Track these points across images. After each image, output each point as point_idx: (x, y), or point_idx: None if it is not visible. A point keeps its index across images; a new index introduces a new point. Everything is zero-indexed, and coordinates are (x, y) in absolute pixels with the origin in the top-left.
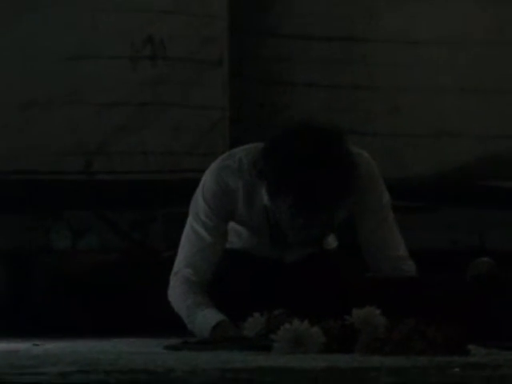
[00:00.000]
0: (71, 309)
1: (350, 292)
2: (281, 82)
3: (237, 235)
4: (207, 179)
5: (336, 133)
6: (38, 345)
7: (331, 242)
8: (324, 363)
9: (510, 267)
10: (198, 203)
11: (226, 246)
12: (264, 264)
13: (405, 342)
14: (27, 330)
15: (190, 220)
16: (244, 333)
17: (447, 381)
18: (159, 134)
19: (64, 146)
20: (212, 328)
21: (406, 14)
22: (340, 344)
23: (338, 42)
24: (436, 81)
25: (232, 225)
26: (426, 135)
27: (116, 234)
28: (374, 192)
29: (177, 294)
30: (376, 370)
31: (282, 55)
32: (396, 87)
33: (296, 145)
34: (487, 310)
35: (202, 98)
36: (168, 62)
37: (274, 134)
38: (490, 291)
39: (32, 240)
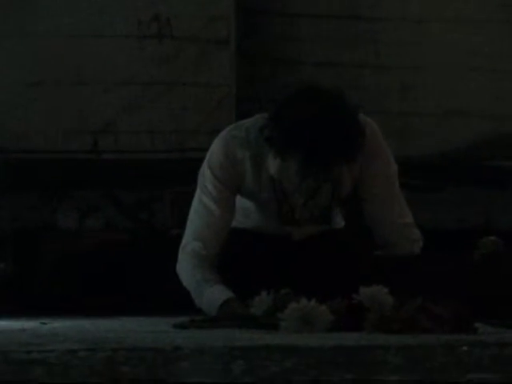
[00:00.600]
0: (78, 288)
1: (357, 270)
2: (288, 60)
3: (245, 215)
4: (214, 150)
5: (340, 92)
6: (45, 323)
7: (339, 221)
8: (331, 342)
9: None
10: (205, 175)
11: (235, 226)
12: (272, 242)
13: (412, 320)
14: (34, 308)
15: (197, 192)
16: (251, 311)
17: (455, 359)
18: (165, 113)
19: (70, 125)
20: (219, 305)
21: None
22: (347, 322)
23: (345, 20)
24: (445, 60)
25: (240, 203)
26: (433, 114)
27: (122, 214)
28: (379, 158)
29: (185, 268)
30: (383, 349)
31: (289, 34)
32: (404, 66)
33: (302, 101)
34: (494, 289)
35: (208, 77)
36: (174, 41)
37: (280, 99)
38: (497, 269)
39: (38, 219)
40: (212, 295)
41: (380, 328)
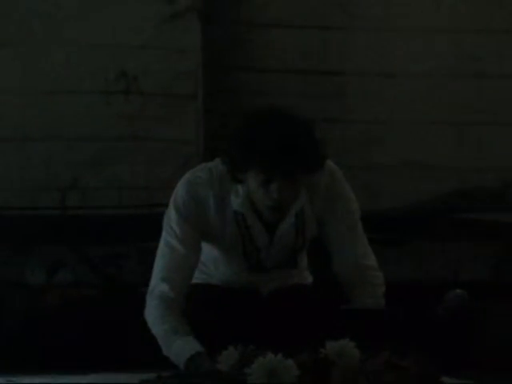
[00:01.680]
0: (45, 344)
1: (324, 325)
2: None
3: (212, 262)
4: (178, 191)
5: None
6: (12, 381)
7: (306, 276)
8: None
9: (483, 299)
10: (170, 215)
11: (203, 280)
12: (240, 296)
13: (378, 375)
14: (1, 366)
15: (163, 235)
16: (218, 366)
17: None
18: (133, 169)
19: (38, 180)
20: (187, 359)
21: (380, 46)
22: (314, 377)
23: (313, 76)
24: (411, 113)
25: (207, 253)
26: (400, 167)
27: (90, 269)
28: (342, 200)
29: (154, 315)
30: None
31: (256, 89)
32: (370, 119)
33: (260, 116)
34: (460, 342)
35: (175, 133)
36: (142, 97)
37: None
38: (463, 323)
39: (6, 275)
40: (180, 348)
41: (346, 383)
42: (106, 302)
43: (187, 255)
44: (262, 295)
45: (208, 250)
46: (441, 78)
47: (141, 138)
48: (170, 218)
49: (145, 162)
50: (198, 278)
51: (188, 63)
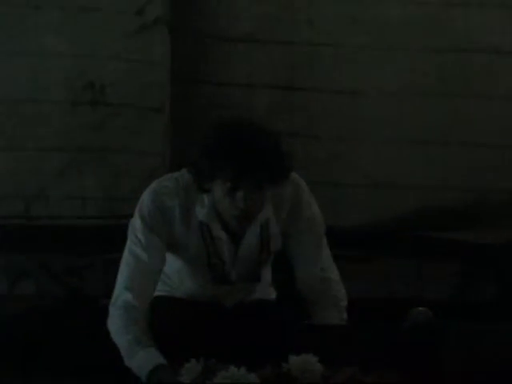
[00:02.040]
0: (4, 354)
1: (287, 339)
2: None
3: (177, 274)
4: (144, 199)
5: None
6: None
7: (270, 292)
8: None
9: (446, 317)
10: (135, 224)
11: (166, 292)
12: (203, 310)
13: None
14: None
15: (127, 244)
16: (181, 379)
17: None
18: (98, 180)
19: (2, 189)
20: (149, 371)
21: (346, 63)
22: None
23: (279, 91)
24: (375, 131)
25: (172, 266)
26: (363, 185)
27: (52, 280)
28: (307, 212)
29: (118, 325)
30: None
31: (222, 102)
32: (335, 136)
33: (225, 127)
34: (423, 360)
35: (141, 145)
36: (108, 108)
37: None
38: (427, 341)
39: None
40: (143, 359)
41: None
42: (68, 313)
43: (152, 264)
44: (225, 308)
45: (172, 262)
46: (406, 96)
47: (107, 149)
48: (135, 226)
49: (110, 173)
50: (161, 290)
51: (156, 75)
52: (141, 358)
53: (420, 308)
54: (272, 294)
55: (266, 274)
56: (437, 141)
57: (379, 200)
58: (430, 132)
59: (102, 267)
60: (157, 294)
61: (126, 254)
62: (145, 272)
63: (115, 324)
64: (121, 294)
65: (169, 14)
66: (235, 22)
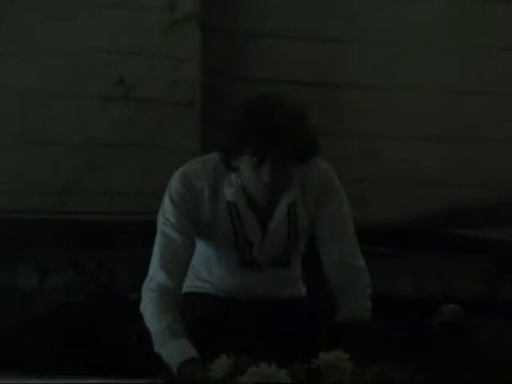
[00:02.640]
0: (36, 349)
1: (317, 335)
2: None
3: (205, 264)
4: (173, 181)
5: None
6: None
7: (300, 287)
8: None
9: (476, 314)
10: (165, 205)
11: (196, 288)
12: (234, 304)
13: None
14: None
15: (158, 227)
16: (211, 375)
17: None
18: (128, 175)
19: (32, 185)
20: (181, 363)
21: (380, 60)
22: None
23: (311, 87)
24: (404, 127)
25: (200, 252)
26: (392, 181)
27: (82, 275)
28: (335, 198)
29: (151, 310)
30: None
31: None
32: (363, 132)
33: (256, 102)
34: (453, 357)
35: (171, 140)
36: (139, 104)
37: None
38: (457, 338)
39: None
40: (175, 350)
41: None
42: (97, 308)
43: (183, 243)
44: (256, 303)
45: (200, 249)
46: (437, 92)
47: (137, 145)
48: (165, 208)
49: (140, 169)
50: (190, 286)
51: (187, 71)
52: (172, 349)
53: (450, 305)
54: (302, 290)
55: (295, 264)
56: (466, 138)
57: (408, 196)
58: (459, 129)
59: (131, 262)
60: (185, 290)
61: (158, 236)
62: (177, 251)
63: (148, 308)
64: (155, 274)
65: (200, 9)
66: (266, 18)
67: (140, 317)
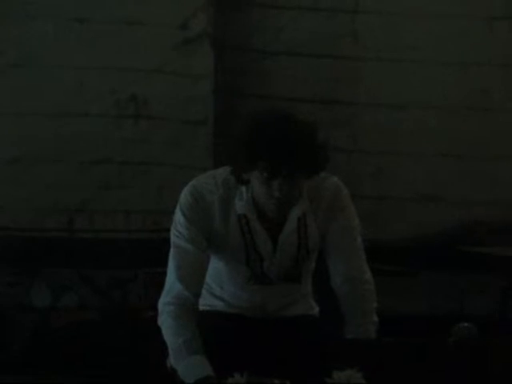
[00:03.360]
0: (50, 365)
1: (331, 354)
2: None
3: (217, 280)
4: (184, 195)
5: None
6: None
7: (313, 306)
8: None
9: (490, 333)
10: (177, 219)
11: (209, 307)
12: (247, 323)
13: None
14: None
15: (172, 240)
16: None
17: None
18: (141, 193)
19: (46, 203)
20: (195, 381)
21: (390, 77)
22: None
23: (324, 105)
24: (419, 145)
25: (211, 265)
26: (407, 199)
27: (95, 293)
28: (344, 212)
29: (169, 324)
30: None
31: None
32: (379, 150)
33: (263, 117)
34: (469, 375)
35: (185, 158)
36: (151, 121)
37: None
38: (471, 356)
39: (11, 296)
40: (190, 367)
41: None
42: (110, 326)
43: (198, 254)
44: (268, 322)
45: (212, 266)
46: (453, 110)
47: (150, 163)
48: (177, 222)
49: (153, 187)
50: (203, 304)
51: (199, 88)
52: (189, 365)
53: (465, 323)
54: (315, 309)
55: (306, 281)
56: (483, 155)
57: (424, 214)
58: (476, 147)
59: (145, 280)
60: (199, 308)
61: (171, 250)
62: (192, 263)
63: (166, 323)
64: (172, 287)
65: (212, 27)
66: (278, 36)
67: (154, 335)
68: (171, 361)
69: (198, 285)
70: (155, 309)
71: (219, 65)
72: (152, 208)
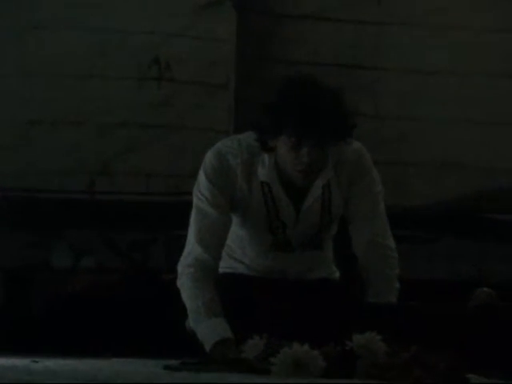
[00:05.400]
0: (70, 328)
1: (351, 317)
2: None
3: (239, 244)
4: (208, 158)
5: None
6: (36, 361)
7: (333, 270)
8: None
9: (509, 298)
10: (200, 181)
11: (230, 269)
12: (267, 285)
13: (405, 369)
14: (26, 347)
15: (194, 202)
16: (243, 355)
17: None
18: (163, 156)
19: (68, 165)
20: (215, 343)
21: (415, 43)
22: (339, 369)
23: (346, 70)
24: (443, 111)
25: (233, 230)
26: (429, 165)
27: (116, 255)
28: (367, 177)
29: (188, 286)
30: None
31: None
32: (401, 116)
33: (291, 83)
34: (487, 340)
35: (206, 121)
36: (174, 84)
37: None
38: (491, 321)
39: (33, 258)
40: (210, 329)
41: (372, 376)
42: (131, 288)
43: (219, 218)
44: (289, 285)
45: (234, 230)
46: (475, 76)
47: (171, 126)
48: (200, 184)
49: (174, 150)
50: (223, 267)
51: (222, 52)
52: (207, 327)
53: (484, 288)
54: (335, 273)
55: (328, 246)
56: (505, 122)
57: (446, 180)
58: (498, 113)
59: (165, 243)
60: (220, 270)
61: (193, 212)
62: (213, 226)
63: (185, 285)
64: (191, 249)
65: None
66: (302, 0)
67: (174, 298)
68: (190, 323)
69: (218, 248)
70: (175, 271)
71: (242, 29)
72: (173, 171)
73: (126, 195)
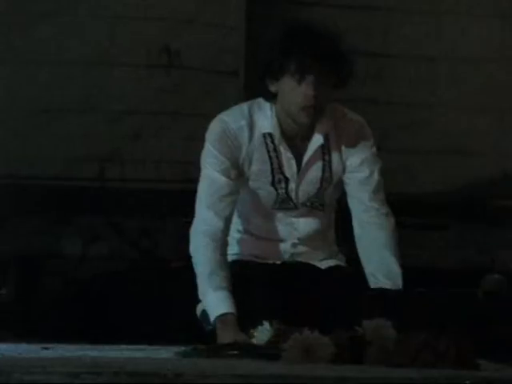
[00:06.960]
0: (79, 314)
1: (361, 303)
2: None
3: (244, 214)
4: (212, 127)
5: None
6: (47, 348)
7: (340, 257)
8: (333, 373)
9: None
10: (206, 150)
11: (236, 256)
12: (276, 273)
13: (415, 355)
14: (36, 333)
15: (201, 172)
16: (253, 341)
17: None
18: (172, 143)
19: (77, 152)
20: (217, 315)
21: (426, 29)
22: (350, 355)
23: (356, 57)
24: (451, 98)
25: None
26: (439, 151)
27: (125, 242)
28: (366, 144)
29: (200, 253)
30: (385, 383)
31: None
32: (412, 102)
33: (295, 24)
34: (497, 326)
35: (216, 109)
36: (183, 71)
37: None
38: (500, 307)
39: (42, 245)
40: (214, 301)
41: (382, 361)
42: (140, 275)
43: (226, 182)
44: (299, 271)
45: (239, 201)
46: (484, 63)
47: (181, 113)
48: (206, 152)
49: (184, 137)
50: (231, 253)
51: (231, 39)
52: (212, 300)
53: (494, 275)
54: (342, 260)
55: (330, 211)
56: None
57: (455, 167)
58: (506, 99)
59: (174, 230)
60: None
61: (200, 180)
62: (221, 190)
63: (197, 251)
64: (202, 215)
65: None
66: None
67: (183, 285)
68: (199, 292)
69: (228, 212)
70: (184, 259)
71: (251, 16)
72: (182, 158)
73: (136, 182)
